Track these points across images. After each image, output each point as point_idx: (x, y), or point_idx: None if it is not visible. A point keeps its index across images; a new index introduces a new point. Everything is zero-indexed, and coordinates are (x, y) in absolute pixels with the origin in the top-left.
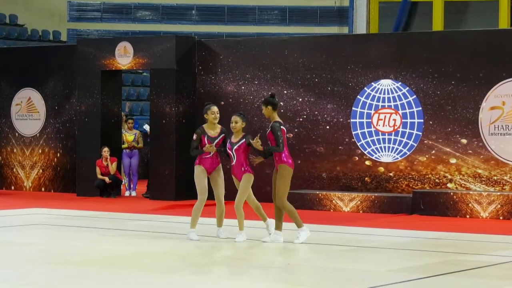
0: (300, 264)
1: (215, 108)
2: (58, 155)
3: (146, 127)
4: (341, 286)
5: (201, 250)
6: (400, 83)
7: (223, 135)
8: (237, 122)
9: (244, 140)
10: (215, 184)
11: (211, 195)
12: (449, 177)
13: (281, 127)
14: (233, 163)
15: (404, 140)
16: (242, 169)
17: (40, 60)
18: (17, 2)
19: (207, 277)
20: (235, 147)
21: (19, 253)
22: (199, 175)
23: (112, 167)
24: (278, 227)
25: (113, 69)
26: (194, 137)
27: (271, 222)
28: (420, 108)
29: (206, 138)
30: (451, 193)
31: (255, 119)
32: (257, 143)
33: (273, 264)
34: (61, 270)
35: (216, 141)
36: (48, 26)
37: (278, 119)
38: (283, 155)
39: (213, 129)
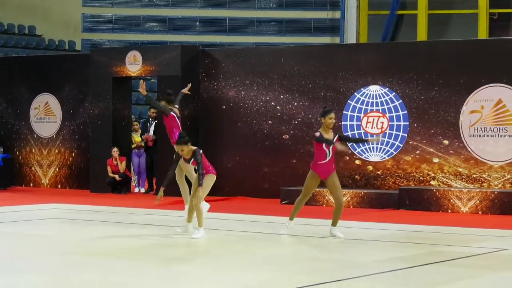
0: (296, 254)
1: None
2: (73, 154)
3: (150, 135)
4: (333, 275)
5: (209, 242)
6: (387, 88)
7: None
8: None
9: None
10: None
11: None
12: (432, 175)
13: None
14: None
15: (391, 141)
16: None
17: (57, 68)
18: (36, 14)
19: (214, 268)
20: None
21: (36, 245)
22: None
23: (122, 166)
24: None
25: (124, 76)
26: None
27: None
28: (406, 112)
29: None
30: (434, 190)
31: (254, 121)
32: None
33: (271, 255)
34: (76, 260)
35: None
36: (64, 37)
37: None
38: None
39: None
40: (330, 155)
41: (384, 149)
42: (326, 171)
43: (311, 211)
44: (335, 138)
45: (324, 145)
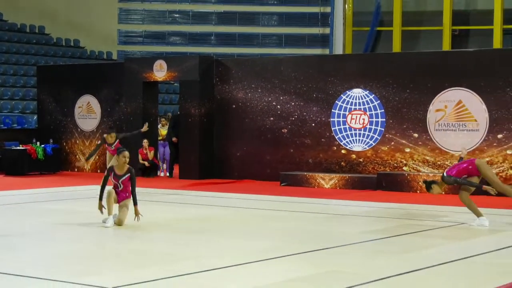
0: (292, 228)
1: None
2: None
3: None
4: (324, 244)
5: (222, 217)
6: (368, 91)
7: None
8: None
9: None
10: None
11: None
12: (404, 162)
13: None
14: None
15: (371, 134)
16: None
17: (97, 74)
18: (80, 29)
19: (226, 237)
20: None
21: (79, 219)
22: None
23: (150, 154)
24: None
25: (152, 80)
26: None
27: None
28: (383, 110)
29: None
30: (406, 174)
31: (258, 118)
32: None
33: (273, 228)
34: (110, 231)
35: None
36: (103, 48)
37: None
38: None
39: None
40: None
41: (365, 140)
42: None
43: (305, 191)
44: None
45: None
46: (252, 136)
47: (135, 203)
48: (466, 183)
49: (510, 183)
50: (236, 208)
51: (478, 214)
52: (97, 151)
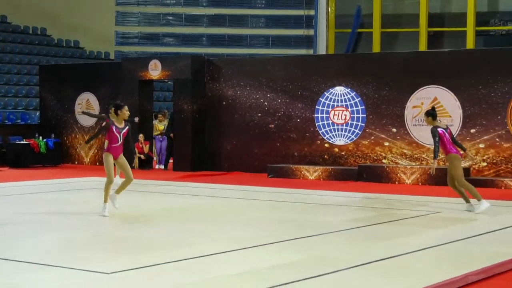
0: (279, 217)
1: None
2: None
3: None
4: (310, 231)
5: (212, 206)
6: (349, 89)
7: None
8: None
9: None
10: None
11: None
12: (384, 155)
13: (438, 129)
14: None
15: (352, 129)
16: None
17: (95, 73)
18: (79, 31)
19: (217, 226)
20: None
21: (78, 208)
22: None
23: (146, 148)
24: (468, 200)
25: (147, 79)
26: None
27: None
28: (364, 107)
29: None
30: (385, 166)
31: (247, 114)
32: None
33: (259, 216)
34: (109, 220)
35: None
36: (101, 49)
37: (437, 124)
38: (449, 147)
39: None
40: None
41: (347, 135)
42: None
43: (291, 183)
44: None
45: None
46: (241, 130)
47: (135, 153)
48: (436, 149)
49: (483, 174)
50: (226, 198)
51: (479, 198)
52: (98, 135)
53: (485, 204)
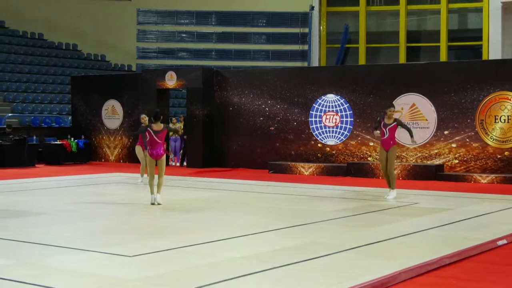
0: (278, 207)
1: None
2: (130, 140)
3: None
4: (305, 220)
5: (219, 198)
6: (339, 96)
7: None
8: None
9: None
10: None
11: None
12: (369, 153)
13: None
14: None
15: (342, 131)
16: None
17: (119, 83)
18: (105, 46)
19: (224, 215)
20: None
21: (105, 200)
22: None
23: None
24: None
25: (164, 88)
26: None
27: None
28: (351, 112)
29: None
30: (370, 163)
31: (251, 118)
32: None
33: (260, 207)
34: (133, 210)
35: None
36: (124, 62)
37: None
38: (392, 141)
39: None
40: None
41: (338, 136)
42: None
43: (289, 178)
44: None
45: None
46: (245, 132)
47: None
48: (376, 126)
49: (455, 170)
50: (232, 191)
51: (393, 187)
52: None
53: (394, 193)
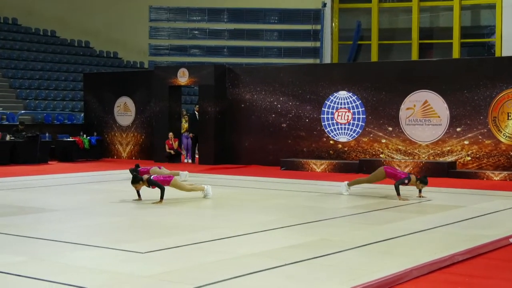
0: (290, 204)
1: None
2: (143, 137)
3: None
4: (316, 217)
5: (232, 195)
6: (351, 93)
7: None
8: None
9: None
10: None
11: None
12: (381, 150)
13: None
14: None
15: (354, 128)
16: None
17: (132, 79)
18: (118, 44)
19: (235, 212)
20: None
21: (116, 196)
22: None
23: (175, 144)
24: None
25: (176, 85)
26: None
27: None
28: (364, 109)
29: None
30: (382, 160)
31: (263, 115)
32: None
33: (274, 204)
34: (144, 206)
35: None
36: (136, 59)
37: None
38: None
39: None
40: None
41: (350, 133)
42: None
43: (301, 174)
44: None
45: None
46: (257, 129)
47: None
48: (397, 188)
49: (467, 167)
50: (244, 187)
51: (352, 185)
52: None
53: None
